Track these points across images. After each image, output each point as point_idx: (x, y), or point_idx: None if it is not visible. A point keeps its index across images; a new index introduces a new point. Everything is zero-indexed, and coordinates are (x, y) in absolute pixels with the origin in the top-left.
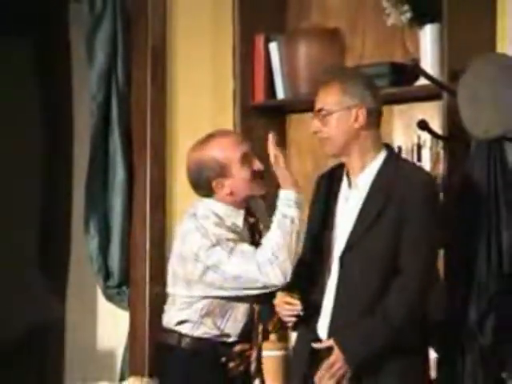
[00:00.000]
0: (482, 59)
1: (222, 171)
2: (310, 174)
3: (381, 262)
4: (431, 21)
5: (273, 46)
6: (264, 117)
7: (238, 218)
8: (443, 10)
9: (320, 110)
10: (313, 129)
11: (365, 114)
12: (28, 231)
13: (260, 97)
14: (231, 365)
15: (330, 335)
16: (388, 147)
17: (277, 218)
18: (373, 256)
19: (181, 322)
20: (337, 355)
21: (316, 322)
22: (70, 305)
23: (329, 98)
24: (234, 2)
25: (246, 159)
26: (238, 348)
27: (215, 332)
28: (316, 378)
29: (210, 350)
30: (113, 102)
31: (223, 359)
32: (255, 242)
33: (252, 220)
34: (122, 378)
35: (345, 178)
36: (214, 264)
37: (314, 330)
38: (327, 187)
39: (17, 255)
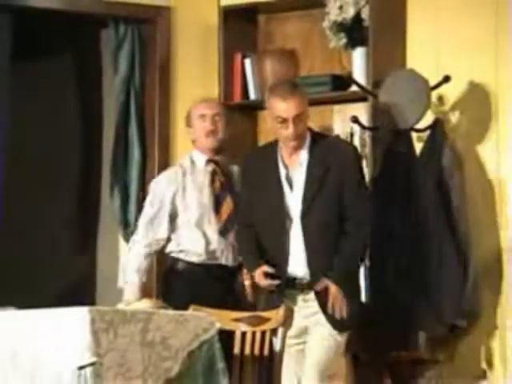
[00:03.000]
0: (396, 72)
1: (188, 121)
2: None
3: (333, 216)
4: (360, 45)
5: (247, 62)
6: (241, 112)
7: (199, 160)
8: (369, 37)
9: (299, 115)
10: (296, 133)
11: None
12: (68, 200)
13: (238, 97)
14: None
15: (313, 274)
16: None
17: None
18: (326, 212)
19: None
20: (336, 289)
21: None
22: (100, 249)
23: (302, 105)
24: (218, 30)
25: (203, 118)
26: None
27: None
28: (330, 310)
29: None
30: (131, 101)
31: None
32: (214, 187)
33: (214, 168)
34: (137, 299)
35: (279, 157)
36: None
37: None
38: (262, 165)
39: (58, 216)
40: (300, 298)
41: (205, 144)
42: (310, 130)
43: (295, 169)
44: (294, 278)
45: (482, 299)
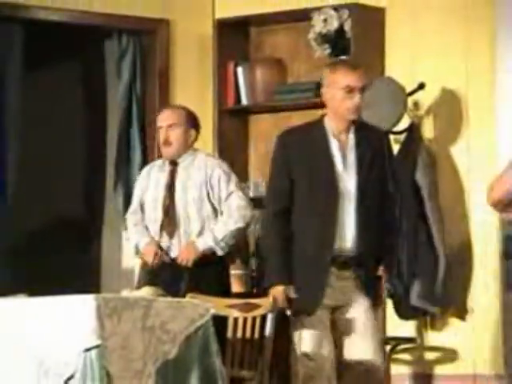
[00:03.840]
0: (376, 80)
1: (156, 132)
2: (263, 152)
3: (379, 199)
4: (343, 54)
5: (239, 70)
6: (233, 116)
7: (161, 165)
8: (351, 48)
9: (363, 88)
10: (360, 104)
11: None
12: (76, 196)
13: (231, 102)
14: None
15: (361, 251)
16: None
17: None
18: (376, 194)
19: None
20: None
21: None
22: (105, 241)
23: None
24: (213, 41)
25: (160, 129)
26: None
27: None
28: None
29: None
30: (133, 106)
31: None
32: (169, 184)
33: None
34: (138, 287)
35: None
36: None
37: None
38: (308, 140)
39: (68, 210)
40: (341, 273)
41: (163, 153)
42: None
43: (347, 147)
44: (339, 255)
45: (454, 286)
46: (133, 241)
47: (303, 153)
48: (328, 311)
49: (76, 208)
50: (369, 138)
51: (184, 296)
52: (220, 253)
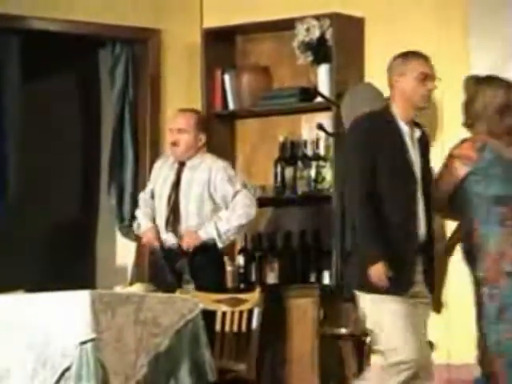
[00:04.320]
0: (355, 86)
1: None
2: (249, 155)
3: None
4: (324, 62)
5: (226, 77)
6: (221, 120)
7: (172, 163)
8: (332, 55)
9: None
10: (433, 90)
11: None
12: (72, 197)
13: (218, 107)
14: None
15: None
16: None
17: None
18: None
19: None
20: None
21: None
22: (100, 240)
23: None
24: (201, 49)
25: (170, 131)
26: None
27: None
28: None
29: None
30: (126, 111)
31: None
32: (175, 182)
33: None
34: (131, 284)
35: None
36: None
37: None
38: (383, 126)
39: (64, 211)
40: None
41: (170, 153)
42: None
43: (414, 135)
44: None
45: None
46: (138, 219)
47: (383, 139)
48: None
49: (72, 208)
50: (421, 130)
51: (181, 285)
52: (220, 245)
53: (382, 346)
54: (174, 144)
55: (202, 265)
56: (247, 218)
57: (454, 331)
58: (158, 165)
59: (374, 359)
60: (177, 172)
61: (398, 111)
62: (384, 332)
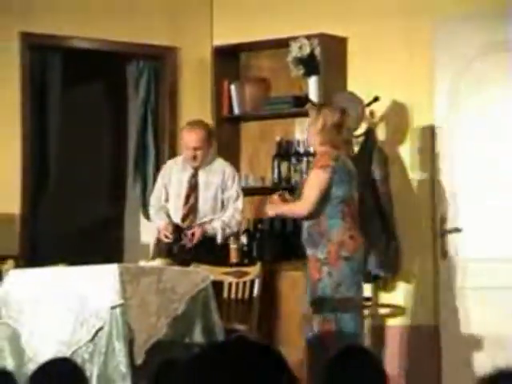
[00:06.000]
0: (339, 94)
1: (180, 135)
2: (252, 152)
3: None
4: (314, 74)
5: (232, 87)
6: (228, 123)
7: (186, 169)
8: (320, 69)
9: None
10: None
11: None
12: (104, 188)
13: (225, 112)
14: None
15: None
16: None
17: None
18: None
19: None
20: None
21: None
22: (127, 223)
23: None
24: (211, 64)
25: (187, 147)
26: None
27: None
28: None
29: None
30: (148, 117)
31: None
32: (190, 187)
33: (194, 175)
34: (153, 258)
35: None
36: None
37: None
38: None
39: (98, 200)
40: None
41: (190, 163)
42: None
43: None
44: None
45: (401, 257)
46: (155, 223)
47: None
48: None
49: (104, 196)
50: None
51: (190, 263)
52: (220, 240)
53: None
54: (194, 158)
55: (208, 250)
56: (238, 227)
57: (420, 299)
58: (167, 168)
59: None
60: (193, 175)
61: None
62: None
